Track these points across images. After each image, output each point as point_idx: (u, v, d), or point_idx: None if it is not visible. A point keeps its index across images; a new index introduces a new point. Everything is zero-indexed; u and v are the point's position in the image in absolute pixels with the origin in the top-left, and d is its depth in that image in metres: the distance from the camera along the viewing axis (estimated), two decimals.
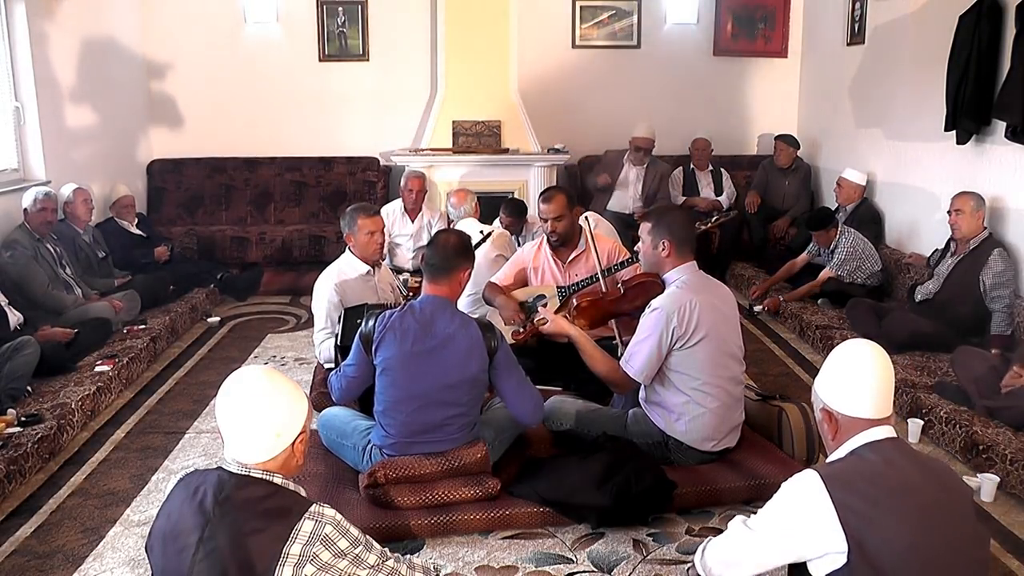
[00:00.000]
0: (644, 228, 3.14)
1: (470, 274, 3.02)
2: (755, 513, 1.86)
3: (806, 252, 5.71)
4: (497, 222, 5.24)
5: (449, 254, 2.90)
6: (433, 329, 2.83)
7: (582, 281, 3.93)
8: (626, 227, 6.07)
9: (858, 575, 1.70)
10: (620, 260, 3.88)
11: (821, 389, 1.93)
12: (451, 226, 5.36)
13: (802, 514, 1.76)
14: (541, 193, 4.14)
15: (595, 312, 3.50)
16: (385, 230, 4.09)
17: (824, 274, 5.41)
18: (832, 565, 1.73)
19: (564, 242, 4.06)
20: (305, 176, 7.16)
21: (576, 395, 3.58)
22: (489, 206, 5.56)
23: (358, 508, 2.83)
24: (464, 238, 3.03)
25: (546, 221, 4.02)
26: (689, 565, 2.15)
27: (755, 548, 1.85)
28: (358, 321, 3.42)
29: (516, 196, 6.25)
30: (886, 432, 1.84)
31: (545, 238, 4.15)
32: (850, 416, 1.86)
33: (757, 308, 5.68)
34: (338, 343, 3.53)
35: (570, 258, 4.09)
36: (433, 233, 3.15)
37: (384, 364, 2.86)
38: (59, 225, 5.02)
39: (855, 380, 1.86)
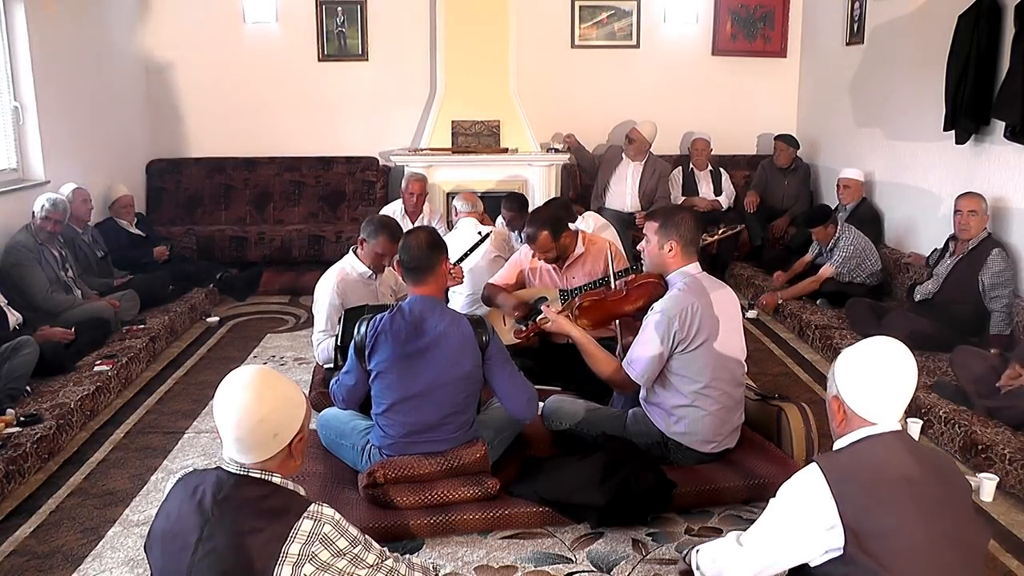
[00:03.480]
0: (650, 228, 3.10)
1: (449, 262, 3.03)
2: (752, 515, 1.87)
3: (809, 252, 5.70)
4: (500, 220, 5.23)
5: (424, 252, 2.89)
6: (424, 329, 2.84)
7: (585, 286, 3.93)
8: (625, 226, 6.07)
9: (853, 565, 1.71)
10: (622, 268, 3.88)
11: (840, 378, 1.88)
12: (451, 225, 5.36)
13: (803, 511, 1.77)
14: (524, 231, 4.12)
15: (598, 312, 3.49)
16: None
17: (824, 271, 5.40)
18: (828, 556, 1.74)
19: (560, 260, 4.08)
20: (304, 176, 7.16)
21: (575, 395, 3.59)
22: (489, 206, 5.55)
23: (357, 508, 2.83)
24: (430, 231, 3.04)
25: (538, 257, 4.05)
26: (683, 566, 2.16)
27: (757, 551, 1.85)
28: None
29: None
30: (891, 426, 1.84)
31: None
32: (860, 416, 1.85)
33: (751, 314, 5.66)
34: (338, 343, 3.53)
35: (567, 264, 4.10)
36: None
37: (379, 367, 2.86)
38: None
39: (878, 386, 1.83)
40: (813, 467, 1.79)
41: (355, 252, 3.90)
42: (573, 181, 7.20)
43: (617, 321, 3.61)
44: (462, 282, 4.10)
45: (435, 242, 2.96)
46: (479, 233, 4.57)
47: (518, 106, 6.84)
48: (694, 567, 2.06)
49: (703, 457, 3.10)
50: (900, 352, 1.86)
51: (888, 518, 1.70)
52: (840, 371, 1.89)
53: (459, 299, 4.55)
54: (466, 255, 4.34)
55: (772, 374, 4.62)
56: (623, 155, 6.66)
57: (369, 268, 3.86)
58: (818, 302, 5.40)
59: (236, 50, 7.05)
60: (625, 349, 3.20)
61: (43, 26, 5.31)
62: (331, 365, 3.77)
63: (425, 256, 2.89)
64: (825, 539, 1.74)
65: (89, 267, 5.23)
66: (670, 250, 3.04)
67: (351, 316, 3.50)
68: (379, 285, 3.94)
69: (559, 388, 3.79)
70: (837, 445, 1.90)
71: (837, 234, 5.41)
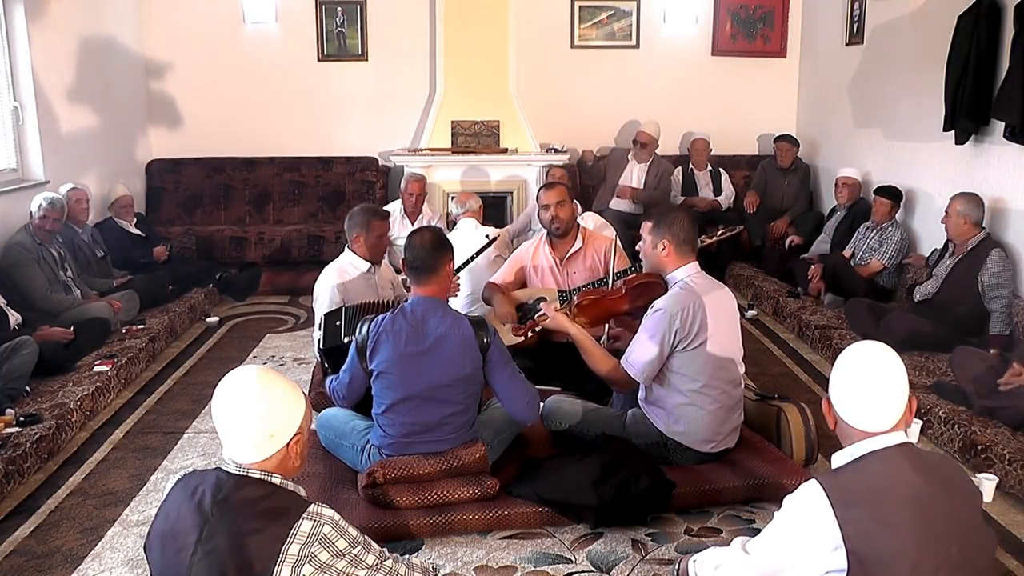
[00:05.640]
0: (644, 228, 3.13)
1: (454, 263, 3.03)
2: (752, 515, 1.84)
3: (848, 248, 5.58)
4: (534, 201, 5.20)
5: (428, 252, 2.89)
6: (425, 329, 2.84)
7: (585, 285, 3.93)
8: (627, 226, 6.07)
9: None
10: (622, 269, 3.89)
11: (833, 390, 1.87)
12: (451, 225, 5.35)
13: (805, 533, 1.74)
14: (542, 186, 4.21)
15: (596, 310, 3.50)
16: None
17: (874, 264, 5.31)
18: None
19: (566, 231, 4.08)
20: (304, 176, 7.16)
21: (575, 395, 3.59)
22: (488, 206, 5.55)
23: (357, 508, 2.83)
24: (437, 231, 3.04)
25: (548, 208, 4.04)
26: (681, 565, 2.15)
27: (762, 563, 1.83)
28: (337, 324, 3.41)
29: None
30: (895, 439, 1.79)
31: (543, 236, 4.17)
32: (850, 425, 1.82)
33: (750, 314, 5.66)
34: (321, 347, 3.50)
35: (567, 254, 4.10)
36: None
37: (380, 367, 2.87)
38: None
39: (864, 397, 1.80)
40: (816, 487, 1.75)
41: (351, 250, 3.89)
42: (572, 182, 7.19)
43: (612, 320, 3.62)
44: (457, 295, 4.10)
45: (440, 242, 2.96)
46: (487, 236, 4.54)
47: (518, 106, 6.84)
48: (691, 570, 2.05)
49: (702, 457, 3.10)
50: (882, 359, 1.81)
51: (893, 543, 1.66)
52: (833, 382, 1.88)
53: (459, 299, 4.54)
54: (469, 261, 4.30)
55: (772, 374, 4.62)
56: (628, 157, 6.67)
57: (369, 260, 3.86)
58: (826, 300, 5.38)
59: (236, 50, 7.05)
60: (616, 348, 3.21)
61: (43, 26, 5.31)
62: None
63: (429, 256, 2.89)
64: (828, 559, 1.71)
65: (88, 267, 5.23)
66: (663, 249, 3.05)
67: (330, 319, 3.49)
68: (378, 279, 3.94)
69: (559, 388, 3.79)
70: (838, 459, 1.86)
71: (892, 223, 5.35)
